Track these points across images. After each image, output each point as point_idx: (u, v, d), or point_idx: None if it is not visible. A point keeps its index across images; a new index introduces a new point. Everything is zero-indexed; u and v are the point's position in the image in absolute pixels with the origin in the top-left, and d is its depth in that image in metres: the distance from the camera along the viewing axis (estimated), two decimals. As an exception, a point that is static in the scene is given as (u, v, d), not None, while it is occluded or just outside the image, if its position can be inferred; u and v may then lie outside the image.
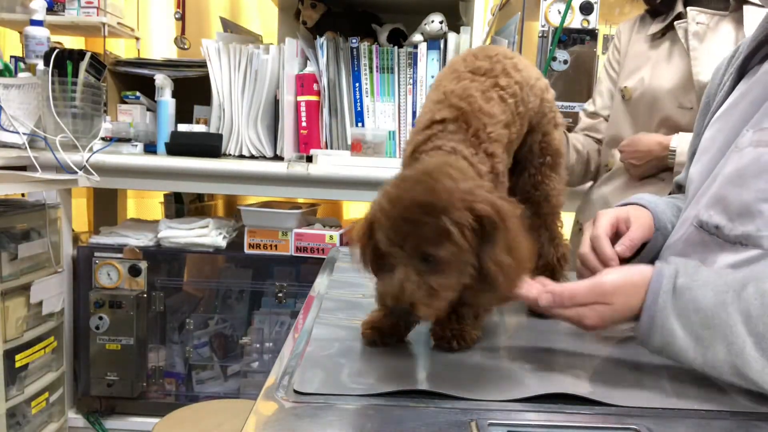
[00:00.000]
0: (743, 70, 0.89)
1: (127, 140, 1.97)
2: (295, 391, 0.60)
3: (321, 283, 1.06)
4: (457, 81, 0.80)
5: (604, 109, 1.58)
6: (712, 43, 1.37)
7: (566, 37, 1.83)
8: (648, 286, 0.67)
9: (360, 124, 1.96)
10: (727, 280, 0.65)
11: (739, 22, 1.38)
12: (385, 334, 0.76)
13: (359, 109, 1.95)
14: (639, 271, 0.69)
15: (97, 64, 1.90)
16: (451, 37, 1.92)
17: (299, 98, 1.96)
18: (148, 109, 2.10)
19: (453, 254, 0.64)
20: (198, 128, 2.01)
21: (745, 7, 1.37)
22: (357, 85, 1.94)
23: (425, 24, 1.92)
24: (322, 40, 1.93)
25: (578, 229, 1.63)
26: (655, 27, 1.48)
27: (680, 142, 1.34)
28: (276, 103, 1.96)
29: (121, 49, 2.55)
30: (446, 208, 0.63)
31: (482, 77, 0.81)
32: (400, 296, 0.64)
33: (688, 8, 1.41)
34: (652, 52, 1.47)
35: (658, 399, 0.62)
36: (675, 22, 1.42)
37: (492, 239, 0.65)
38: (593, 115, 1.60)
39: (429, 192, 0.64)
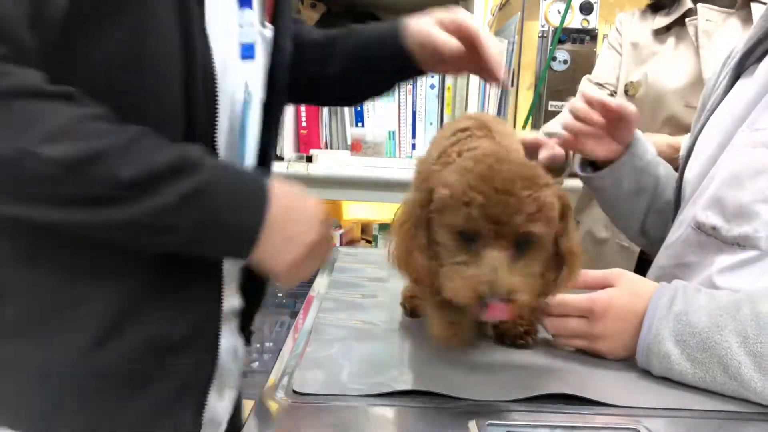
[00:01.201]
0: (739, 69, 0.89)
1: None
2: (295, 392, 0.60)
3: (321, 283, 1.06)
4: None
5: (609, 85, 1.53)
6: (720, 41, 1.36)
7: (566, 37, 1.83)
8: (644, 314, 0.68)
9: (360, 124, 1.96)
10: (720, 304, 0.65)
11: (746, 20, 1.35)
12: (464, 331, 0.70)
13: (359, 109, 1.95)
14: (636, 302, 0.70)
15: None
16: (451, 37, 1.92)
17: (299, 98, 1.96)
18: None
19: (547, 234, 0.60)
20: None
21: (753, 5, 1.34)
22: (357, 85, 1.94)
23: (425, 24, 1.92)
24: (321, 40, 1.93)
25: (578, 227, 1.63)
26: (660, 21, 1.44)
27: None
28: (276, 103, 1.96)
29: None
30: (547, 183, 0.59)
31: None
32: (498, 283, 0.56)
33: (699, 5, 1.38)
34: (656, 47, 1.44)
35: (658, 399, 0.62)
36: (686, 19, 1.40)
37: (566, 223, 0.63)
38: (600, 86, 1.52)
39: (524, 167, 0.60)
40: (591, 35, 1.84)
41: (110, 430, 0.65)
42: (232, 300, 0.78)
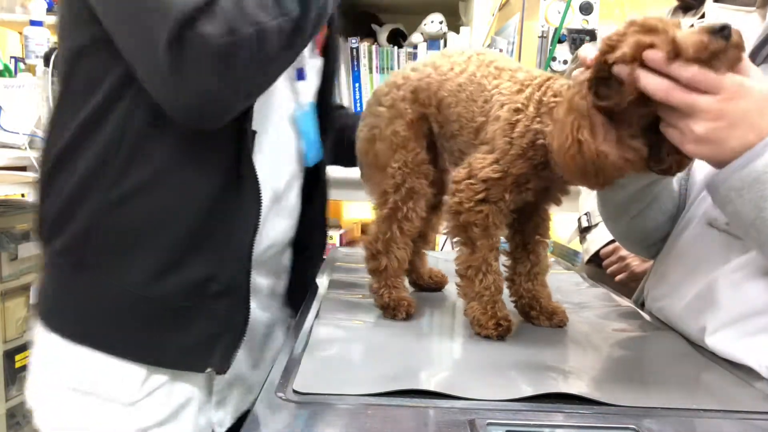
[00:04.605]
0: None
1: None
2: (295, 391, 0.60)
3: (321, 283, 1.06)
4: None
5: None
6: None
7: (566, 37, 1.83)
8: None
9: (360, 124, 1.96)
10: None
11: (766, 18, 1.34)
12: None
13: (359, 109, 1.95)
14: None
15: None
16: (451, 37, 1.92)
17: (299, 98, 1.96)
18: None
19: None
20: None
21: None
22: (357, 85, 1.94)
23: (425, 24, 1.92)
24: (321, 41, 1.93)
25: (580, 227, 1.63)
26: (686, 23, 1.44)
27: None
28: (276, 104, 1.96)
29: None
30: None
31: None
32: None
33: (711, 4, 1.36)
34: None
35: (658, 399, 0.62)
36: (698, 19, 1.39)
37: None
38: None
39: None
40: (591, 35, 1.84)
41: (155, 357, 0.83)
42: (260, 279, 0.95)
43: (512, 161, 0.76)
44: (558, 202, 0.86)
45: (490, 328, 0.78)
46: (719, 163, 0.66)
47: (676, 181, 0.95)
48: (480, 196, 0.77)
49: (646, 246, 1.00)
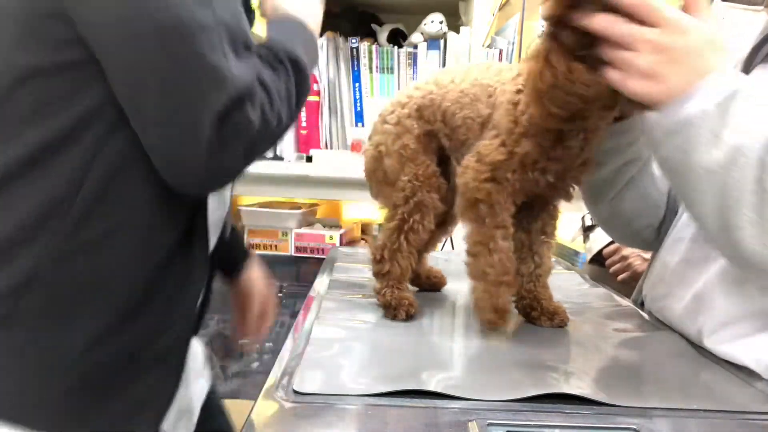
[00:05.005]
0: (747, 68, 0.88)
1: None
2: (295, 391, 0.60)
3: (321, 283, 1.06)
4: None
5: None
6: (744, 40, 1.34)
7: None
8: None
9: (360, 124, 1.96)
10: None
11: None
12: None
13: (359, 109, 1.95)
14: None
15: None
16: (451, 37, 1.92)
17: (299, 98, 1.96)
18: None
19: None
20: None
21: None
22: (357, 85, 1.94)
23: (425, 24, 1.92)
24: (321, 40, 1.93)
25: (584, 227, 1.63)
26: None
27: None
28: (276, 103, 1.96)
29: None
30: None
31: None
32: None
33: (720, 3, 1.36)
34: None
35: (658, 399, 0.62)
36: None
37: None
38: None
39: None
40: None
41: (90, 428, 0.71)
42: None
43: (517, 140, 0.77)
44: (568, 197, 0.87)
45: (487, 315, 0.79)
46: (657, 106, 0.65)
47: (663, 181, 0.94)
48: (485, 176, 0.78)
49: (631, 234, 0.99)
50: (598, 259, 1.53)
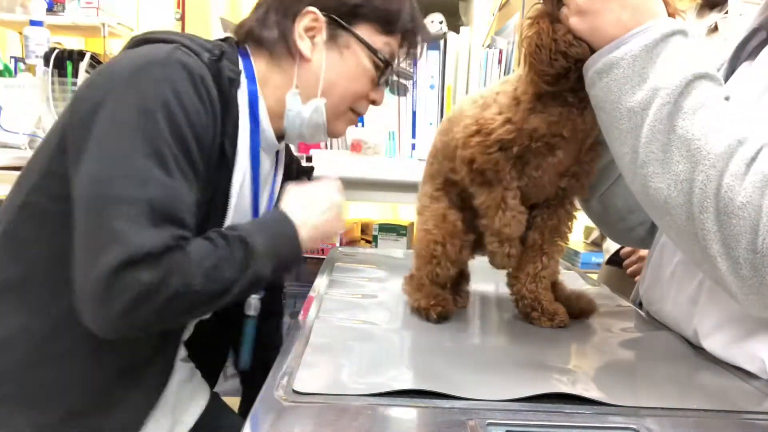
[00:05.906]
0: (734, 63, 0.87)
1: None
2: (295, 391, 0.60)
3: (321, 283, 1.06)
4: None
5: None
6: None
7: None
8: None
9: (360, 124, 1.95)
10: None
11: None
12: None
13: (359, 109, 1.95)
14: None
15: (97, 65, 1.90)
16: (451, 37, 1.92)
17: (299, 98, 1.95)
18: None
19: None
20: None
21: None
22: (357, 85, 1.94)
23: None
24: (322, 41, 1.92)
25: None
26: (711, 18, 1.42)
27: None
28: (276, 104, 1.96)
29: (120, 49, 2.55)
30: None
31: None
32: None
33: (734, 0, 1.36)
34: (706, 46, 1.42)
35: (658, 399, 0.62)
36: (719, 13, 1.37)
37: None
38: None
39: None
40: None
41: None
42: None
43: (524, 117, 0.78)
44: (584, 192, 0.89)
45: (500, 258, 0.84)
46: (594, 46, 0.70)
47: None
48: (492, 149, 0.80)
49: (624, 230, 0.99)
50: (616, 259, 1.53)
